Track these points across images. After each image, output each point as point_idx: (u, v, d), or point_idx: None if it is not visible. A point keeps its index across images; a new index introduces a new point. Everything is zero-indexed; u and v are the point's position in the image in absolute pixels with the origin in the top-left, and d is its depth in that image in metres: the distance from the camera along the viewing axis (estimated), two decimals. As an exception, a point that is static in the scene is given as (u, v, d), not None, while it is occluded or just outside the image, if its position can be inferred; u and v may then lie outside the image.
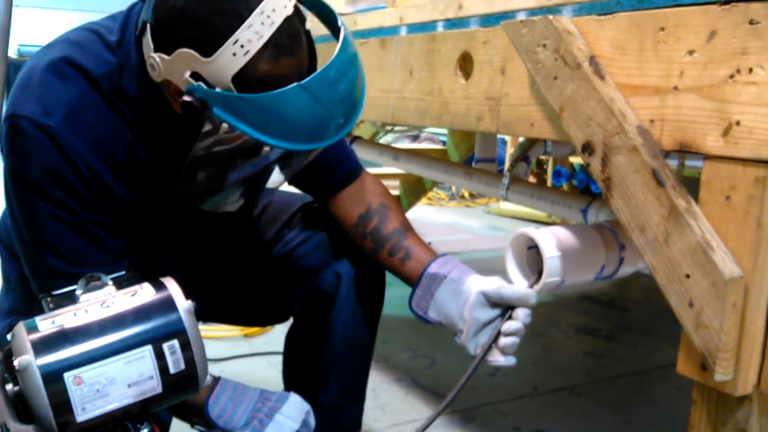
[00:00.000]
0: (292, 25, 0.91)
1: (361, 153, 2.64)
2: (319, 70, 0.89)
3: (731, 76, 0.90)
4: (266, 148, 0.95)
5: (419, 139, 6.15)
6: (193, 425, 1.14)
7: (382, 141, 3.39)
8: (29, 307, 1.14)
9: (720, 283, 0.88)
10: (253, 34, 0.86)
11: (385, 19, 1.78)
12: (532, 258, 1.22)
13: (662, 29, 0.99)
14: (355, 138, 2.74)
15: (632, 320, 2.83)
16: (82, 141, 0.98)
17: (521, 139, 2.50)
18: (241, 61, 0.87)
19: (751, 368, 0.92)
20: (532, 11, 1.27)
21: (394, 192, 3.57)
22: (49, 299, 0.87)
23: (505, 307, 1.09)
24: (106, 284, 0.88)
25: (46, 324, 0.81)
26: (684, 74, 0.96)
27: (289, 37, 0.90)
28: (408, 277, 1.21)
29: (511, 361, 1.09)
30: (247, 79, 0.88)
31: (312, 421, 1.16)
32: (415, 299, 1.17)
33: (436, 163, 2.30)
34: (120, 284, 0.89)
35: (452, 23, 1.51)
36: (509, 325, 1.07)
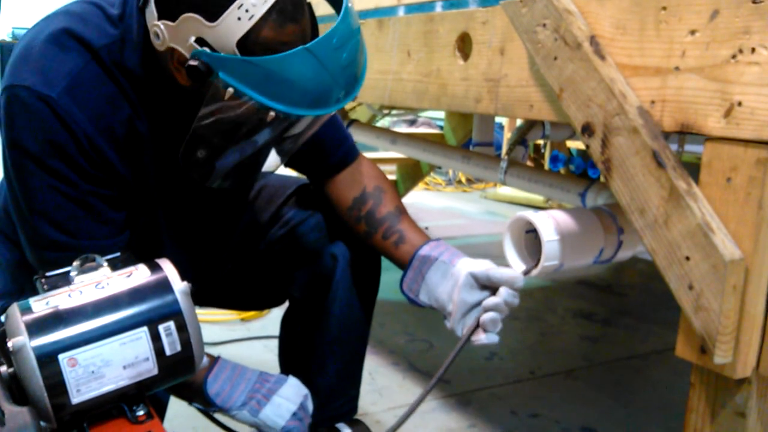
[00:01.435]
0: None
1: (359, 136, 2.64)
2: (323, 35, 0.89)
3: (733, 56, 0.89)
4: (269, 117, 0.93)
5: (416, 123, 6.12)
6: (190, 403, 1.14)
7: (379, 125, 3.38)
8: (21, 290, 1.13)
9: (720, 265, 0.88)
10: None
11: (382, 0, 1.77)
12: (530, 242, 1.21)
13: (664, 8, 0.97)
14: (353, 121, 2.73)
15: (629, 305, 2.84)
16: (82, 112, 0.97)
17: (519, 123, 2.49)
18: (245, 26, 0.87)
19: (750, 351, 0.91)
20: (531, -9, 1.25)
21: (391, 177, 3.56)
22: (43, 280, 0.86)
23: (494, 290, 1.08)
24: (101, 265, 0.87)
25: (40, 305, 0.80)
26: (685, 54, 0.95)
27: (293, 4, 0.90)
28: (401, 261, 1.20)
29: (492, 338, 1.07)
30: (251, 44, 0.88)
31: (310, 405, 1.15)
32: (406, 282, 1.16)
33: (434, 147, 2.29)
34: (115, 265, 0.88)
35: (451, 3, 1.49)
36: (489, 301, 1.06)
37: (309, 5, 0.97)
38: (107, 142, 1.00)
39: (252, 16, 0.87)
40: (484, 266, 1.08)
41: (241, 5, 0.86)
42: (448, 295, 1.10)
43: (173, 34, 0.91)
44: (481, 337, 1.07)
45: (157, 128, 1.05)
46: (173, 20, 0.90)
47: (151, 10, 0.93)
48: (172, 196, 1.13)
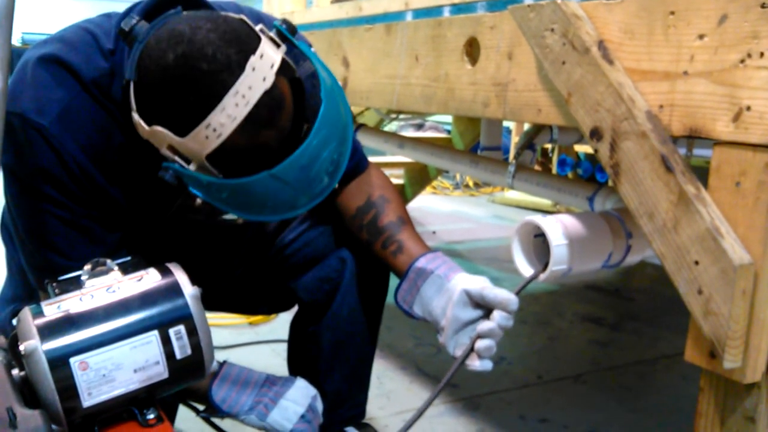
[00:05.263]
0: (273, 96, 0.86)
1: (366, 141, 2.64)
2: (290, 156, 0.86)
3: (742, 61, 0.89)
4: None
5: (424, 127, 6.14)
6: (198, 413, 1.14)
7: (386, 129, 3.38)
8: (31, 295, 1.14)
9: (729, 269, 0.88)
10: (225, 118, 0.83)
11: (390, 5, 1.77)
12: (538, 246, 1.21)
13: (672, 13, 0.98)
14: (360, 126, 2.74)
15: (637, 309, 2.83)
16: (74, 141, 0.98)
17: (526, 127, 2.49)
18: (214, 143, 0.84)
19: (760, 355, 0.91)
20: (539, -4, 1.26)
21: (399, 181, 3.56)
22: (54, 285, 0.87)
23: (488, 309, 1.05)
24: (112, 269, 0.88)
25: (52, 309, 0.81)
26: (694, 59, 0.95)
27: (268, 109, 0.86)
28: (399, 271, 1.18)
29: (486, 365, 1.04)
30: (223, 155, 0.86)
31: (319, 405, 1.16)
32: (401, 293, 1.15)
33: (441, 151, 2.29)
34: (126, 269, 0.89)
35: (459, 8, 1.49)
36: (483, 326, 1.03)
37: (297, 81, 0.92)
38: (99, 168, 1.01)
39: (220, 135, 0.84)
40: (479, 284, 1.06)
41: (209, 125, 0.83)
42: (441, 310, 1.09)
43: (147, 135, 0.90)
44: (476, 364, 1.04)
45: (150, 154, 1.05)
46: (147, 125, 0.89)
47: (131, 100, 0.90)
48: (169, 217, 1.13)
